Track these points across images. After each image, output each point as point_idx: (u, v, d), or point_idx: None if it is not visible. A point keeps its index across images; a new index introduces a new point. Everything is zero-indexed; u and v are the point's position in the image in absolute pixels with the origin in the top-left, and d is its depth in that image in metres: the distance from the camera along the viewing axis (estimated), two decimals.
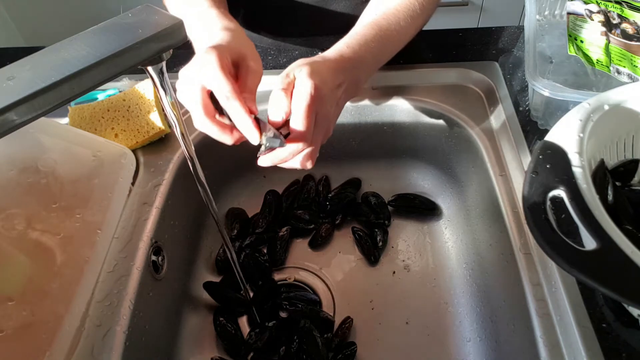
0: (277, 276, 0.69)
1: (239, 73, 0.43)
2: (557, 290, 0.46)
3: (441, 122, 0.68)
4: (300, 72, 0.42)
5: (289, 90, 0.42)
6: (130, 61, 0.32)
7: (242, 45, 0.44)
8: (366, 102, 0.69)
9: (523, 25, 0.66)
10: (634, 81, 0.55)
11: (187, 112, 0.54)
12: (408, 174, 0.78)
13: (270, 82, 0.50)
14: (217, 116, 0.42)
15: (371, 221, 0.73)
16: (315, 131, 0.42)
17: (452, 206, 0.74)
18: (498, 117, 0.64)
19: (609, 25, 0.58)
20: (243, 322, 0.65)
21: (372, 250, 0.70)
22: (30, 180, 0.48)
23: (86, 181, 0.52)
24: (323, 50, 0.50)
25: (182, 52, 0.43)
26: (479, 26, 1.58)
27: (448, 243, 0.71)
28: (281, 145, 0.40)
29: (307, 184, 0.76)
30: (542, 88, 0.54)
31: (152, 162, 0.61)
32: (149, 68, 0.35)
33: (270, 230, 0.72)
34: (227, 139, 0.43)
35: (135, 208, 0.57)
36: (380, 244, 0.71)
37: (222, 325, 0.62)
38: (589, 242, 0.35)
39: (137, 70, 0.33)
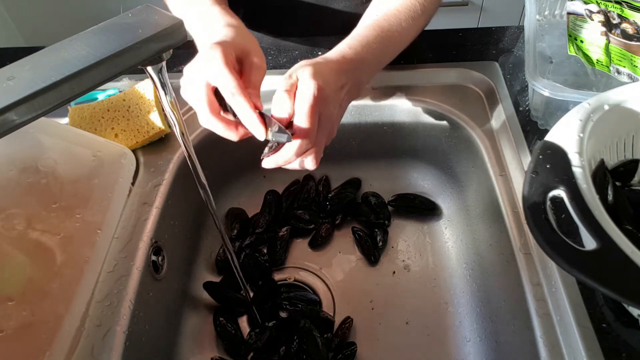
0: (277, 276, 0.69)
1: (243, 69, 0.43)
2: (557, 290, 0.46)
3: (441, 122, 0.68)
4: (303, 73, 0.42)
5: (292, 92, 0.42)
6: (130, 61, 0.32)
7: (246, 41, 0.44)
8: (366, 102, 0.69)
9: (523, 25, 0.66)
10: (634, 81, 0.55)
11: (187, 112, 0.54)
12: (408, 174, 0.78)
13: (270, 82, 0.50)
14: (221, 112, 0.42)
15: (371, 221, 0.73)
16: (318, 132, 0.42)
17: (452, 206, 0.74)
18: (498, 117, 0.64)
19: (609, 25, 0.58)
20: (243, 322, 0.65)
21: (372, 250, 0.70)
22: (30, 180, 0.48)
23: (86, 181, 0.52)
24: (324, 50, 0.50)
25: (182, 52, 0.43)
26: (479, 26, 1.58)
27: (448, 243, 0.71)
28: (288, 140, 0.40)
29: (307, 184, 0.76)
30: (542, 88, 0.54)
31: (152, 162, 0.61)
32: (149, 68, 0.35)
33: (270, 230, 0.72)
34: (232, 135, 0.43)
35: (135, 208, 0.57)
36: (380, 244, 0.71)
37: (222, 325, 0.62)
38: (589, 242, 0.35)
39: (137, 70, 0.33)
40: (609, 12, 0.59)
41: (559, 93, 0.53)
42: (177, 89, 0.41)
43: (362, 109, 0.70)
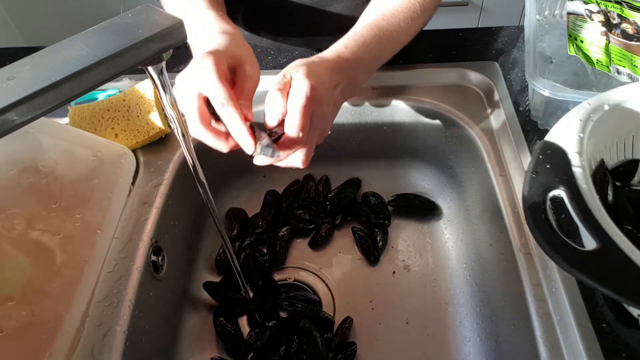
0: (277, 276, 0.69)
1: (236, 78, 0.42)
2: (557, 290, 0.46)
3: (441, 122, 0.68)
4: (297, 72, 0.42)
5: (285, 91, 0.42)
6: (130, 61, 0.32)
7: (240, 49, 0.44)
8: (366, 102, 0.69)
9: (523, 25, 0.66)
10: (634, 81, 0.55)
11: None
12: (408, 174, 0.78)
13: (270, 83, 0.50)
14: (213, 122, 0.42)
15: (371, 221, 0.73)
16: (310, 131, 0.42)
17: (452, 206, 0.74)
18: (498, 117, 0.64)
19: (609, 25, 0.58)
20: (243, 322, 0.65)
21: (372, 250, 0.70)
22: (30, 180, 0.48)
23: (86, 181, 0.52)
24: (322, 50, 0.50)
25: (182, 52, 0.43)
26: (479, 26, 1.58)
27: (448, 243, 0.71)
28: (274, 156, 0.40)
29: (307, 184, 0.76)
30: (542, 88, 0.54)
31: (152, 162, 0.61)
32: (149, 68, 0.35)
33: (270, 230, 0.72)
34: (222, 146, 0.42)
35: (135, 208, 0.57)
36: (380, 244, 0.71)
37: (222, 325, 0.62)
38: (589, 242, 0.35)
39: (137, 70, 0.33)
40: (609, 12, 0.59)
41: (559, 93, 0.53)
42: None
43: (362, 109, 0.70)
